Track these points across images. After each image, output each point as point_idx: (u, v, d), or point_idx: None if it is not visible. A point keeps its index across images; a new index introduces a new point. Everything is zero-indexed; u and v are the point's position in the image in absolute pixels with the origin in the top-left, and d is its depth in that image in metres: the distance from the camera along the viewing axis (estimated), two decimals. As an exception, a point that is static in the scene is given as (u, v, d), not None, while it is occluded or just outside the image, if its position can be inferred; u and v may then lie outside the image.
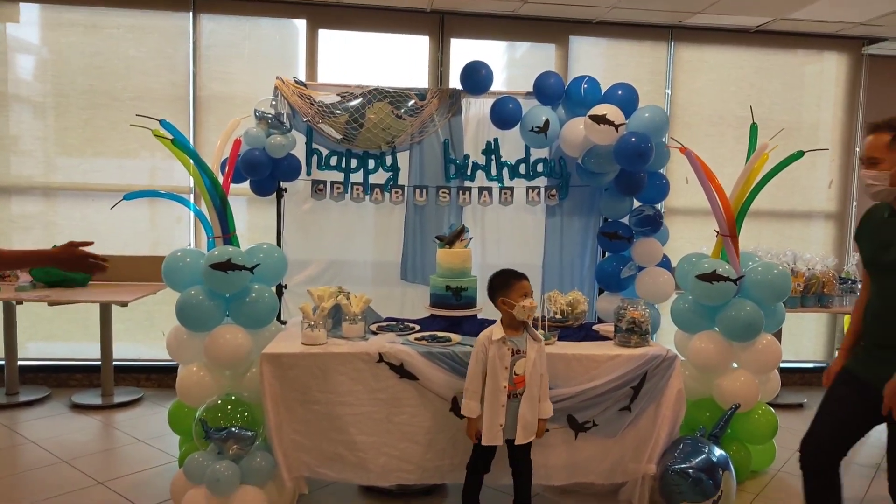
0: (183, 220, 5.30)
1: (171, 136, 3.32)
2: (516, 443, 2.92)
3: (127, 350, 5.19)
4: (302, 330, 3.21)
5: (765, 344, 3.63)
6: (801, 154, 3.58)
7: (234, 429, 3.01)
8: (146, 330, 5.31)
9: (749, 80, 5.77)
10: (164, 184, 5.12)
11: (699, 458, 3.05)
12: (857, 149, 5.91)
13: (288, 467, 3.10)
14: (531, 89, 4.30)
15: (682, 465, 3.02)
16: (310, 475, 3.17)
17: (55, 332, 5.18)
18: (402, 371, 3.12)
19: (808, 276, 4.96)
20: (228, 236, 3.46)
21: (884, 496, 3.59)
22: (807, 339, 6.03)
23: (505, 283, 2.95)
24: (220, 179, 3.52)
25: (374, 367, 3.11)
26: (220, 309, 3.31)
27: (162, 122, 3.39)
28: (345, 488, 3.42)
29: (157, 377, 5.26)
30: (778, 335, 4.29)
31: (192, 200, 4.91)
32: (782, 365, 3.86)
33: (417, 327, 3.55)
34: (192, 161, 3.35)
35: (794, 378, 5.76)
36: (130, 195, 3.61)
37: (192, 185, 5.20)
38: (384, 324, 3.66)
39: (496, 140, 4.39)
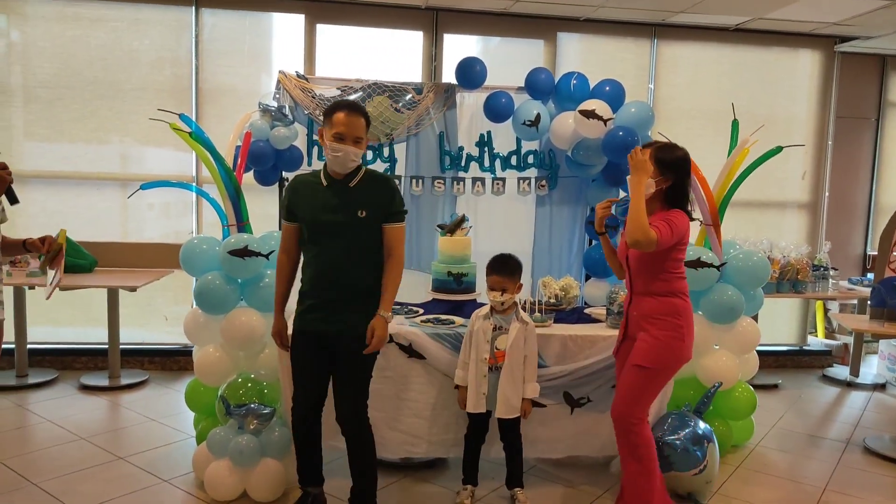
0: (155, 208, 5.47)
1: (189, 129, 3.47)
2: (496, 415, 3.18)
3: (130, 334, 5.33)
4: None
5: (744, 326, 3.89)
6: (779, 149, 3.84)
7: (252, 405, 3.20)
8: (148, 315, 5.46)
9: (727, 75, 6.03)
10: (163, 173, 5.25)
11: (686, 431, 3.29)
12: (830, 142, 6.21)
13: (304, 441, 3.30)
14: (522, 84, 4.51)
15: (671, 437, 3.26)
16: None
17: (59, 316, 5.31)
18: (410, 351, 3.34)
19: (783, 263, 5.24)
20: (243, 224, 3.63)
21: (854, 467, 3.90)
22: (781, 323, 6.34)
23: (487, 271, 3.24)
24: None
25: (384, 347, 3.30)
26: (235, 293, 3.49)
27: (181, 116, 3.55)
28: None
29: (161, 360, 5.41)
30: (754, 319, 4.55)
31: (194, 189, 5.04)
32: (758, 348, 4.12)
33: (422, 311, 3.76)
34: (208, 152, 3.50)
35: (769, 360, 6.06)
36: (147, 185, 3.76)
37: (193, 174, 5.35)
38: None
39: (489, 133, 4.59)
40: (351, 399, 2.87)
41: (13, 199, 2.56)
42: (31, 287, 4.65)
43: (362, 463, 2.93)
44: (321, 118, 4.35)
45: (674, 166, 2.85)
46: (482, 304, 3.70)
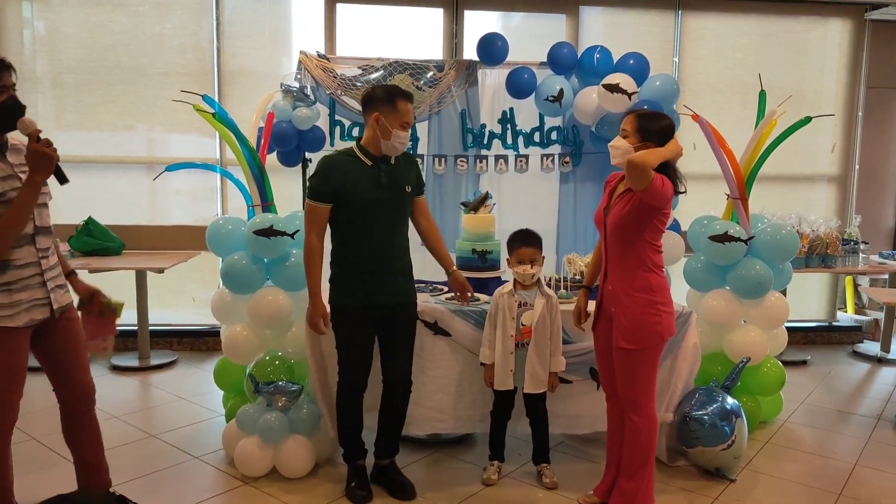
0: (181, 193, 5.51)
1: (212, 111, 3.49)
2: (525, 391, 3.20)
3: (159, 316, 5.41)
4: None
5: (773, 301, 3.85)
6: (808, 120, 3.76)
7: (280, 383, 3.24)
8: (177, 296, 5.53)
9: (754, 47, 5.91)
10: (188, 156, 5.29)
11: (714, 406, 3.27)
12: (860, 113, 6.08)
13: (331, 418, 3.34)
14: (544, 59, 4.45)
15: (699, 412, 3.25)
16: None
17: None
18: (436, 328, 3.35)
19: (812, 237, 5.16)
20: (268, 204, 3.66)
21: (886, 443, 3.86)
22: (810, 298, 6.25)
23: (510, 245, 3.23)
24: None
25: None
26: (261, 272, 3.52)
27: (205, 98, 3.57)
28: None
29: (189, 341, 5.50)
30: (783, 294, 4.50)
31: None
32: (787, 324, 4.07)
33: (446, 288, 3.76)
34: (232, 134, 3.52)
35: (797, 337, 5.99)
36: (172, 167, 3.79)
37: (218, 156, 5.39)
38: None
39: (511, 109, 4.55)
40: (409, 360, 3.16)
41: (63, 179, 2.45)
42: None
43: (404, 414, 3.22)
44: (343, 97, 4.39)
45: (656, 134, 2.75)
46: (506, 282, 3.70)
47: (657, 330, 2.78)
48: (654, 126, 2.77)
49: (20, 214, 2.32)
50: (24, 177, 2.36)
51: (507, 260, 3.25)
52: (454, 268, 3.24)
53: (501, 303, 3.20)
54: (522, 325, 3.17)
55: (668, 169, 2.74)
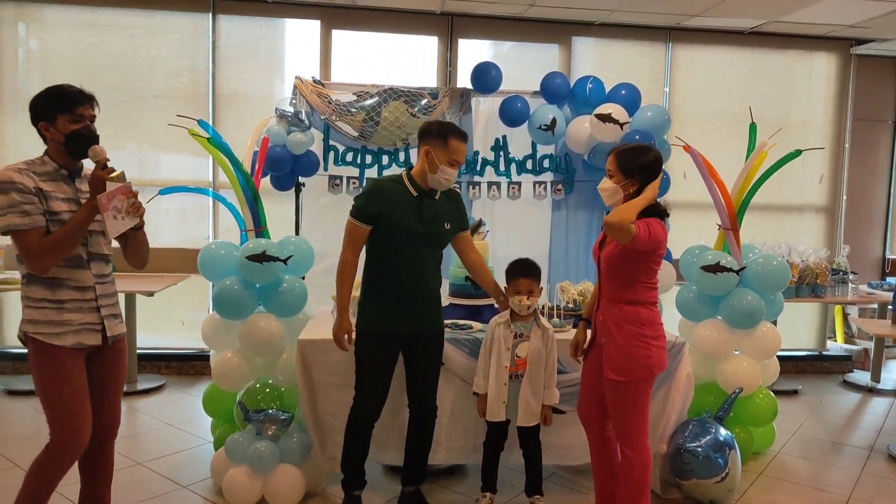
0: (170, 213, 5.49)
1: (207, 135, 3.49)
2: (518, 424, 3.15)
3: (146, 339, 5.35)
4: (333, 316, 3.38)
5: (765, 331, 3.86)
6: (798, 153, 3.80)
7: (271, 411, 3.20)
8: (164, 319, 5.48)
9: (743, 79, 6.00)
10: (180, 179, 5.27)
11: (708, 438, 3.26)
12: (847, 145, 6.16)
13: (322, 447, 3.31)
14: (537, 87, 4.50)
15: (693, 444, 3.23)
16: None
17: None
18: (429, 356, 3.32)
19: (802, 267, 5.19)
20: (261, 230, 3.64)
21: (879, 475, 3.85)
22: (800, 327, 6.28)
23: (508, 275, 3.18)
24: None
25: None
26: (253, 298, 3.49)
27: (200, 122, 3.56)
28: (373, 467, 3.59)
29: (178, 365, 5.44)
30: (774, 324, 4.51)
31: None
32: (778, 353, 4.07)
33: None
34: (226, 158, 3.51)
35: (788, 366, 6.00)
36: (165, 190, 3.77)
37: (210, 179, 5.37)
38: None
39: (504, 137, 4.59)
40: (434, 387, 3.19)
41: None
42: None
43: (430, 441, 3.24)
44: (337, 123, 4.40)
45: (639, 171, 2.74)
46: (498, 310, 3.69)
47: (646, 363, 2.76)
48: (636, 163, 2.75)
49: (71, 233, 2.33)
50: (83, 202, 2.40)
51: (505, 289, 3.21)
52: (503, 297, 3.23)
53: (497, 333, 3.15)
54: (517, 356, 3.13)
55: (649, 206, 2.73)
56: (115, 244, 2.54)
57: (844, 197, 6.22)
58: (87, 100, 2.44)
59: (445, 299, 3.93)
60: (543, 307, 3.66)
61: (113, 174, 2.37)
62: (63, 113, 2.39)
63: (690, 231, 5.75)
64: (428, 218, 3.01)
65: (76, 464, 2.62)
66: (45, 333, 2.36)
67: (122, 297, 4.85)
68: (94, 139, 2.42)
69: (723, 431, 3.35)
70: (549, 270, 4.73)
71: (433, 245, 3.09)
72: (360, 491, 3.18)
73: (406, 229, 2.96)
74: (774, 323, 4.18)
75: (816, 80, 6.14)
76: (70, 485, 2.66)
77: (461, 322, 3.60)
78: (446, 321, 3.57)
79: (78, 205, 2.42)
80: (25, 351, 2.45)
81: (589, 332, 3.09)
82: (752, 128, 4.02)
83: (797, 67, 6.10)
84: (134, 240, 2.57)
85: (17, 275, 4.46)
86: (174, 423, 4.32)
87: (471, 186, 4.60)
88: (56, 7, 5.20)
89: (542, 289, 3.21)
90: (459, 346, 3.34)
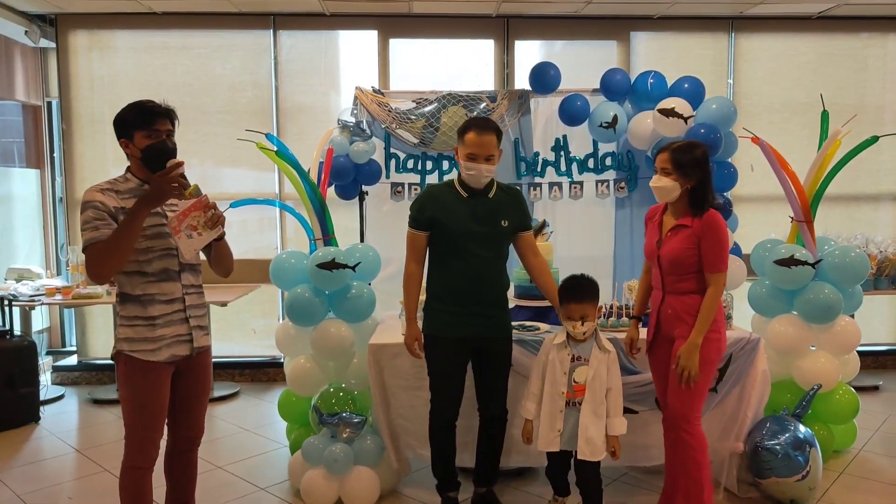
0: (235, 226, 5.60)
1: (274, 148, 3.59)
2: (579, 457, 2.89)
3: (220, 348, 5.52)
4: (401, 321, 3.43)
5: (843, 325, 3.73)
6: (875, 139, 3.67)
7: (344, 414, 3.27)
8: (236, 328, 5.65)
9: (811, 66, 5.80)
10: (246, 192, 5.43)
11: (787, 435, 3.18)
12: (925, 130, 5.89)
13: (395, 449, 3.37)
14: (596, 86, 4.46)
15: (772, 442, 3.15)
16: (415, 456, 3.42)
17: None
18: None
19: (880, 258, 4.99)
20: (329, 238, 3.73)
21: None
22: (879, 321, 6.03)
23: (562, 298, 2.93)
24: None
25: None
26: (324, 305, 3.58)
27: (267, 136, 3.68)
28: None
29: (251, 372, 5.60)
30: (852, 318, 4.36)
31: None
32: (857, 348, 3.93)
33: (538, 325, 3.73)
34: (293, 170, 3.61)
35: (868, 361, 5.76)
36: (236, 203, 3.90)
37: (277, 191, 5.53)
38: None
39: (564, 137, 4.56)
40: (504, 392, 3.14)
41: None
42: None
43: (501, 443, 3.20)
44: (397, 131, 4.47)
45: (694, 165, 2.81)
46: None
47: (717, 346, 2.89)
48: (690, 158, 2.83)
49: (118, 236, 2.29)
50: (170, 215, 2.40)
51: (558, 311, 2.98)
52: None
53: (552, 355, 2.92)
54: (575, 381, 2.87)
55: (705, 193, 2.85)
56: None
57: (923, 184, 5.95)
58: (164, 114, 2.44)
59: (511, 301, 3.94)
60: (611, 307, 3.63)
61: (187, 190, 2.38)
62: (140, 129, 2.40)
63: (759, 225, 5.60)
64: (483, 217, 2.99)
65: (164, 471, 2.72)
66: (141, 350, 2.40)
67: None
68: (171, 153, 2.41)
69: (802, 428, 3.26)
70: (615, 269, 4.68)
71: (492, 245, 3.03)
72: (455, 493, 3.20)
73: (461, 230, 2.96)
74: (853, 317, 4.03)
75: (890, 63, 5.89)
76: (155, 487, 2.80)
77: (528, 323, 3.61)
78: (514, 323, 3.58)
79: (165, 218, 2.44)
80: (109, 362, 2.51)
81: (643, 330, 3.11)
82: (825, 115, 3.90)
83: (870, 51, 5.86)
84: (217, 249, 2.58)
85: (99, 289, 4.75)
86: (250, 429, 4.46)
87: (532, 188, 4.59)
88: (126, 32, 5.46)
89: (601, 308, 3.03)
90: (526, 347, 3.34)
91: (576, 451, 2.89)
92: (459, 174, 3.05)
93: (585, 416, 2.85)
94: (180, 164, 2.36)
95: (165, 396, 2.49)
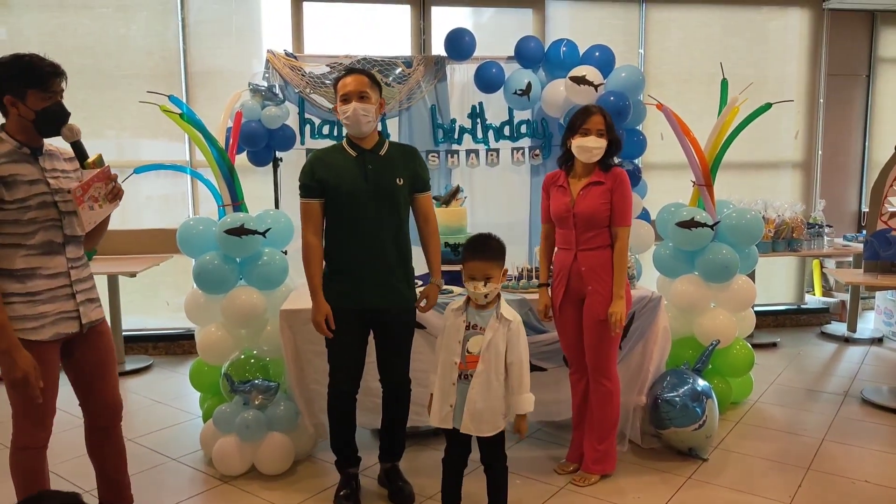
0: (153, 200, 5.49)
1: (179, 111, 3.48)
2: (461, 430, 2.58)
3: (133, 321, 5.37)
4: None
5: (740, 284, 3.93)
6: (768, 106, 3.85)
7: (257, 381, 3.25)
8: (150, 301, 5.50)
9: (716, 37, 6.01)
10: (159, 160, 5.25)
11: (685, 388, 3.34)
12: (821, 100, 6.21)
13: (309, 414, 3.37)
14: (511, 54, 4.50)
15: (671, 394, 3.31)
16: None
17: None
18: (410, 321, 3.34)
19: (778, 222, 5.27)
20: (238, 204, 3.65)
21: (852, 418, 3.96)
22: (779, 282, 6.38)
23: (465, 256, 2.62)
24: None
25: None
26: (234, 272, 3.52)
27: (171, 98, 3.55)
28: (360, 432, 3.65)
29: (165, 345, 5.47)
30: (751, 278, 4.60)
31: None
32: (756, 308, 4.16)
33: (420, 282, 3.78)
34: (200, 133, 3.51)
35: (767, 320, 6.13)
36: (140, 169, 3.77)
37: (187, 158, 5.36)
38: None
39: (481, 104, 4.58)
40: (403, 362, 3.03)
41: (83, 157, 2.38)
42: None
43: (403, 414, 3.11)
44: (311, 95, 4.39)
45: (613, 125, 3.12)
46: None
47: (629, 299, 3.14)
48: (611, 118, 3.12)
49: None
50: (52, 182, 2.28)
51: (461, 271, 2.65)
52: (436, 280, 3.02)
53: (449, 321, 2.64)
54: (468, 351, 2.56)
55: (617, 147, 3.13)
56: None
57: (819, 152, 6.29)
58: (61, 73, 2.31)
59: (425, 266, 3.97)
60: (522, 269, 3.71)
61: (90, 159, 2.29)
62: (35, 88, 2.23)
63: (668, 192, 5.78)
64: (373, 174, 2.82)
65: (86, 454, 2.62)
66: (21, 329, 2.21)
67: (104, 280, 4.93)
68: (67, 116, 2.31)
69: (700, 381, 3.43)
70: (531, 235, 4.78)
71: (386, 204, 2.83)
72: (355, 468, 3.09)
73: (350, 192, 2.80)
74: (752, 277, 4.26)
75: (790, 36, 6.17)
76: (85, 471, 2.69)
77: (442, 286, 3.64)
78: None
79: (47, 185, 2.28)
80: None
81: (549, 292, 3.26)
82: (724, 84, 4.06)
83: (771, 24, 6.12)
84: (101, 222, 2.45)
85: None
86: (163, 401, 4.37)
87: (449, 155, 4.62)
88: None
89: (506, 271, 2.64)
90: (440, 310, 3.37)
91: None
92: (348, 135, 2.92)
93: (475, 388, 2.54)
94: (79, 135, 2.31)
95: (54, 376, 2.33)
